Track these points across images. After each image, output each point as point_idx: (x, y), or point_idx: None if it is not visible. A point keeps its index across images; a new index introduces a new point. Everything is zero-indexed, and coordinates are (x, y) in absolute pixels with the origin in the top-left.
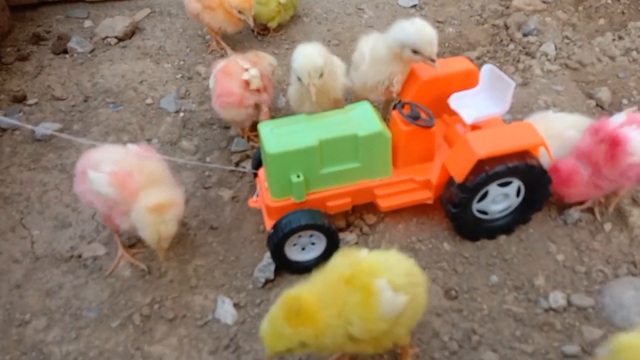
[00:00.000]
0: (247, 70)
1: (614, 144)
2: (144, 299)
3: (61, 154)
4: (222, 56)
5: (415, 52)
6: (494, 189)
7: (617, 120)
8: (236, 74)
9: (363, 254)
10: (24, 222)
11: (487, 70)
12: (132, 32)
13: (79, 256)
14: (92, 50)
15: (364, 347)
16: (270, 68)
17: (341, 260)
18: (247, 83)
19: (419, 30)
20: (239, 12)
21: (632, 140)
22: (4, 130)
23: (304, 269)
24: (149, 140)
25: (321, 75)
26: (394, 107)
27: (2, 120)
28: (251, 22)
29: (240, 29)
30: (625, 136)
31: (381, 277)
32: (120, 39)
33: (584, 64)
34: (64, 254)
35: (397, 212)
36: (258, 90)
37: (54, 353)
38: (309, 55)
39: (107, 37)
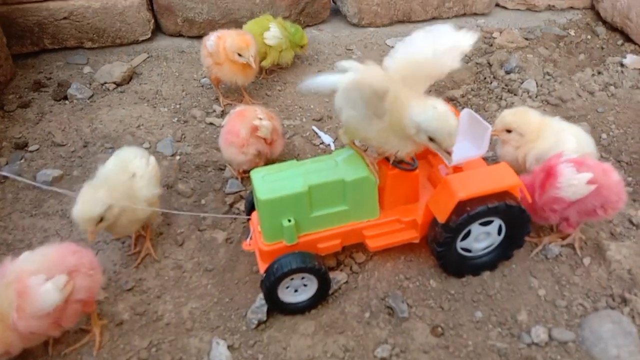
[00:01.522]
0: (261, 119)
1: (547, 175)
2: (142, 343)
3: (62, 199)
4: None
5: (431, 139)
6: (476, 228)
7: (564, 156)
8: (249, 118)
9: None
10: None
11: (466, 114)
12: (129, 77)
13: None
14: (91, 96)
15: None
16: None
17: None
18: (255, 129)
19: (440, 118)
20: (239, 55)
21: (563, 176)
22: (5, 177)
23: (297, 310)
24: None
25: (102, 219)
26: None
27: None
28: (252, 63)
29: (251, 80)
30: (560, 170)
31: None
32: (118, 84)
33: (564, 100)
34: None
35: (386, 251)
36: (265, 140)
37: None
38: (85, 203)
39: (105, 82)
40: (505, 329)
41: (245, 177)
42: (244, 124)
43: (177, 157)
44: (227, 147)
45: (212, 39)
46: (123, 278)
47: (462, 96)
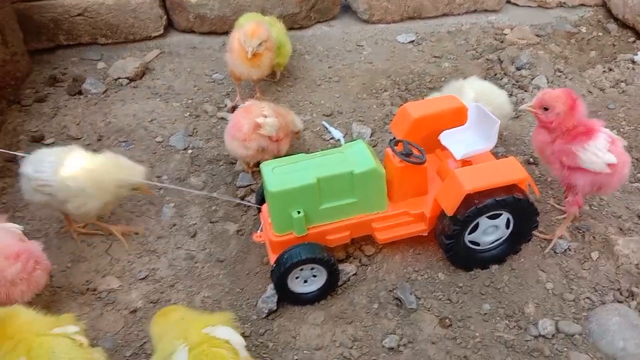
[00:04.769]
0: (266, 116)
1: (586, 132)
2: None
3: None
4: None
5: None
6: (484, 221)
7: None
8: (254, 114)
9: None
10: None
11: (474, 108)
12: (142, 73)
13: (94, 289)
14: (105, 91)
15: None
16: (292, 127)
17: None
18: (258, 126)
19: None
20: (244, 41)
21: (595, 143)
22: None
23: (307, 300)
24: (158, 177)
25: None
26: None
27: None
28: (249, 53)
29: (259, 75)
30: (597, 136)
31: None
32: (131, 80)
33: None
34: (80, 287)
35: (394, 244)
36: (270, 138)
37: None
38: None
39: (119, 77)
40: (512, 322)
41: (256, 171)
42: (247, 120)
43: (189, 151)
44: (230, 141)
45: (234, 30)
46: (137, 267)
47: None
